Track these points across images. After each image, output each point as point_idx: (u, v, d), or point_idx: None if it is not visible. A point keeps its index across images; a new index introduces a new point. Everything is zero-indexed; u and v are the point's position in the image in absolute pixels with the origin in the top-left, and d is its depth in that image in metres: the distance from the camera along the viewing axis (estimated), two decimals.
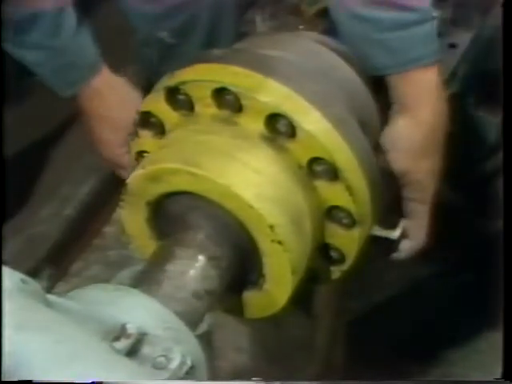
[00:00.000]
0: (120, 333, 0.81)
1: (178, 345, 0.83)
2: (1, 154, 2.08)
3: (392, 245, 1.18)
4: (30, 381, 0.73)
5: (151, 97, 1.09)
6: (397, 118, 1.17)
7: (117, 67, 1.51)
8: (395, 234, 1.18)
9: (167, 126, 1.09)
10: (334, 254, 1.09)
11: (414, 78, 1.15)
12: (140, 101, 1.18)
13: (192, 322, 0.94)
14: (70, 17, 1.40)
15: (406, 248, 1.21)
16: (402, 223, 1.19)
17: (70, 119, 2.45)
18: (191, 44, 1.72)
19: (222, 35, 1.67)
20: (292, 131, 1.02)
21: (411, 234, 1.21)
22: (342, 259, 1.09)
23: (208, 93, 1.04)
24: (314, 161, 1.03)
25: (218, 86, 1.03)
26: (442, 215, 2.11)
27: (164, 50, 1.77)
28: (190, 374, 0.82)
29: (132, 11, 1.76)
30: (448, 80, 1.25)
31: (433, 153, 1.18)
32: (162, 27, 1.72)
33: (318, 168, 1.04)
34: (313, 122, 1.03)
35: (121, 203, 1.06)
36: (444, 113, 1.18)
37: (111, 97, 1.47)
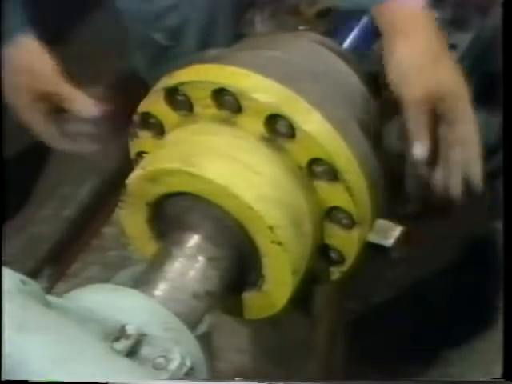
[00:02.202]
0: (120, 333, 0.82)
1: (177, 345, 0.83)
2: (1, 154, 2.08)
3: (386, 252, 1.18)
4: (26, 381, 0.73)
5: (150, 97, 1.09)
6: (390, 46, 1.16)
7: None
8: (389, 241, 1.17)
9: (166, 127, 1.09)
10: (333, 254, 1.09)
11: (399, 4, 1.15)
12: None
13: (192, 322, 0.94)
14: None
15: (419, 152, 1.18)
16: (397, 231, 1.18)
17: None
18: (185, 46, 1.72)
19: (217, 38, 1.67)
20: (292, 132, 1.02)
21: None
22: (341, 260, 1.09)
23: (207, 93, 1.04)
24: (314, 162, 1.03)
25: (217, 86, 1.04)
26: (442, 215, 2.11)
27: (157, 52, 1.76)
28: (189, 374, 0.82)
29: (125, 11, 1.75)
30: None
31: (442, 59, 1.16)
32: (157, 28, 1.72)
33: (318, 169, 1.04)
34: (312, 122, 1.03)
35: (120, 204, 1.06)
36: (436, 29, 1.16)
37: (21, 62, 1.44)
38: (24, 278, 0.81)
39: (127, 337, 0.81)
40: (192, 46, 1.69)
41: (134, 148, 1.14)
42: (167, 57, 1.73)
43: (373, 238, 1.13)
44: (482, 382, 1.40)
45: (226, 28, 1.66)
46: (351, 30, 1.29)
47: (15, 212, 2.18)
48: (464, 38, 1.30)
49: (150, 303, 0.90)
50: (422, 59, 1.15)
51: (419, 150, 1.17)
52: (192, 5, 1.68)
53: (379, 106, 1.19)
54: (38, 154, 2.36)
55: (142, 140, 1.12)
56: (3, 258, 1.52)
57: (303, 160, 1.03)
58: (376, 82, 1.23)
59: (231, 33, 1.61)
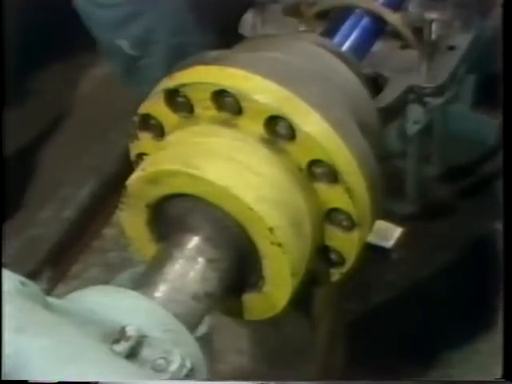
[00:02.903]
0: (119, 335, 0.82)
1: (177, 347, 0.83)
2: (1, 153, 2.08)
3: (386, 253, 1.18)
4: (26, 381, 0.73)
5: (150, 99, 1.09)
6: None
7: None
8: (389, 242, 1.17)
9: (167, 128, 1.09)
10: (333, 256, 1.09)
11: None
12: None
13: (191, 324, 0.94)
14: None
15: None
16: (397, 232, 1.18)
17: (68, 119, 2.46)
18: (153, 56, 1.70)
19: (189, 48, 1.65)
20: (292, 133, 1.02)
21: None
22: (341, 261, 1.09)
23: (207, 95, 1.04)
24: (314, 163, 1.03)
25: (217, 88, 1.03)
26: (442, 215, 2.12)
27: (126, 62, 1.75)
28: (189, 376, 0.82)
29: (90, 19, 1.74)
30: (447, 82, 1.25)
31: None
32: (120, 35, 1.70)
33: (318, 170, 1.04)
34: (312, 124, 1.03)
35: (120, 205, 1.06)
36: None
37: None
38: (24, 279, 0.81)
39: (127, 338, 0.81)
40: (162, 55, 1.68)
41: (134, 150, 1.14)
42: (139, 67, 1.72)
43: (373, 239, 1.13)
44: (482, 382, 1.40)
45: (197, 37, 1.65)
46: (351, 31, 1.29)
47: (13, 213, 2.18)
48: (464, 39, 1.30)
49: (150, 305, 0.90)
50: None
51: None
52: (156, 14, 1.67)
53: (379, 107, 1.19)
54: (36, 154, 2.36)
55: (142, 142, 1.12)
56: (3, 260, 1.52)
57: (303, 161, 1.03)
58: (376, 82, 1.23)
59: (205, 42, 1.61)
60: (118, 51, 1.74)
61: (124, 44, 1.72)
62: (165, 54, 1.70)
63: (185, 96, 1.06)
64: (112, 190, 2.07)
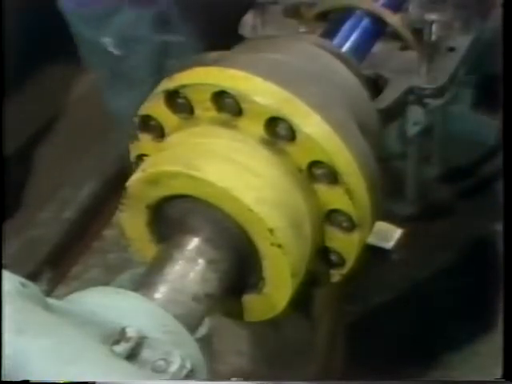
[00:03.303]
0: (120, 336, 0.82)
1: (177, 348, 0.83)
2: (1, 153, 2.09)
3: (386, 254, 1.18)
4: (27, 381, 0.74)
5: (151, 100, 1.09)
6: None
7: None
8: (390, 243, 1.17)
9: (167, 130, 1.10)
10: (333, 257, 1.09)
11: None
12: None
13: (191, 325, 0.94)
14: None
15: None
16: (397, 234, 1.18)
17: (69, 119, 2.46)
18: (140, 56, 1.67)
19: (176, 46, 1.62)
20: (292, 134, 1.02)
21: None
22: (341, 263, 1.09)
23: (207, 96, 1.04)
24: (314, 164, 1.03)
25: (217, 89, 1.03)
26: (442, 216, 2.12)
27: (113, 65, 1.72)
28: (189, 377, 0.82)
29: (70, 14, 1.71)
30: (447, 83, 1.26)
31: None
32: (104, 31, 1.68)
33: (318, 171, 1.04)
34: (312, 125, 1.03)
35: (121, 206, 1.06)
36: None
37: None
38: (24, 280, 0.81)
39: (127, 339, 0.82)
40: (146, 53, 1.65)
41: (134, 151, 1.14)
42: (124, 71, 1.69)
43: (373, 240, 1.13)
44: (483, 381, 1.40)
45: (183, 34, 1.63)
46: (351, 32, 1.29)
47: (12, 214, 2.18)
48: (464, 40, 1.30)
49: (150, 306, 0.90)
50: None
51: None
52: (138, 8, 1.64)
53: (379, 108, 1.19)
54: (35, 155, 2.36)
55: (142, 143, 1.12)
56: (3, 261, 1.52)
57: (303, 162, 1.03)
58: (376, 84, 1.23)
59: (192, 43, 1.59)
60: (102, 54, 1.72)
61: (108, 42, 1.69)
62: (150, 52, 1.67)
63: (185, 97, 1.06)
64: (112, 190, 2.07)
